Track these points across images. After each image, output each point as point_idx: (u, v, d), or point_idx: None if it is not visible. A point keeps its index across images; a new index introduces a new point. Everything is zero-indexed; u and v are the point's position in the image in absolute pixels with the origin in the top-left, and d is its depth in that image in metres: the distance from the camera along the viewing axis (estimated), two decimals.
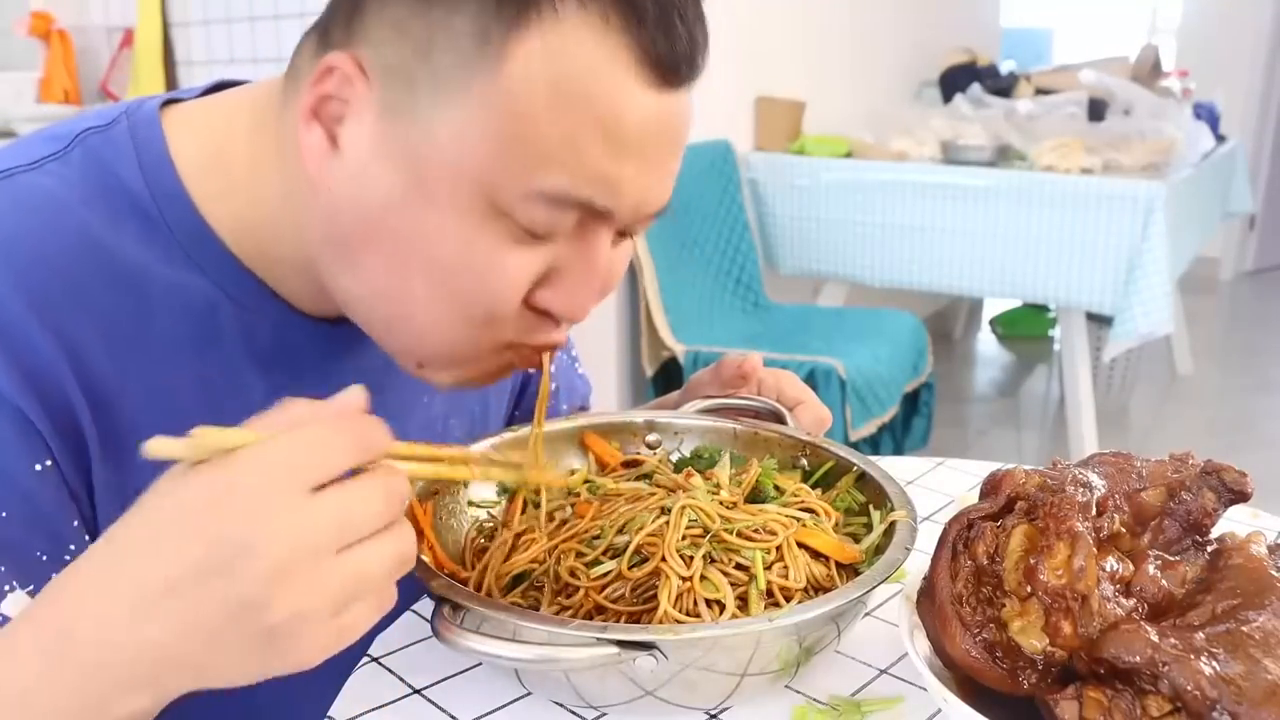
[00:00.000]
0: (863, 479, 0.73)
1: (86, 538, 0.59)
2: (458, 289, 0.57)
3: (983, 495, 0.62)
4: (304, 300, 0.66)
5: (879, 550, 0.65)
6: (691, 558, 0.62)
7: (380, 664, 0.66)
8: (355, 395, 0.48)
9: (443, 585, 0.58)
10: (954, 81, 3.81)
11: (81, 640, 0.44)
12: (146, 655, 0.44)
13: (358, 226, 0.58)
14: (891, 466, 0.76)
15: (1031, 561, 0.54)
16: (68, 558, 0.57)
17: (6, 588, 0.55)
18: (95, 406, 0.58)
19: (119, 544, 0.45)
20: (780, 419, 0.81)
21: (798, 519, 0.67)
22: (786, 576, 0.63)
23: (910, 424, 2.76)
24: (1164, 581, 0.55)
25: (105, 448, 0.59)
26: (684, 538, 0.63)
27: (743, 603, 0.61)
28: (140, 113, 0.63)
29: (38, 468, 0.56)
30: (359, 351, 0.71)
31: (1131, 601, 0.54)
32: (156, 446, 0.43)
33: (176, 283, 0.61)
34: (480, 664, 0.65)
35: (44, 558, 0.56)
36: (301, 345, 0.67)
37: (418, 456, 0.52)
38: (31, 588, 0.55)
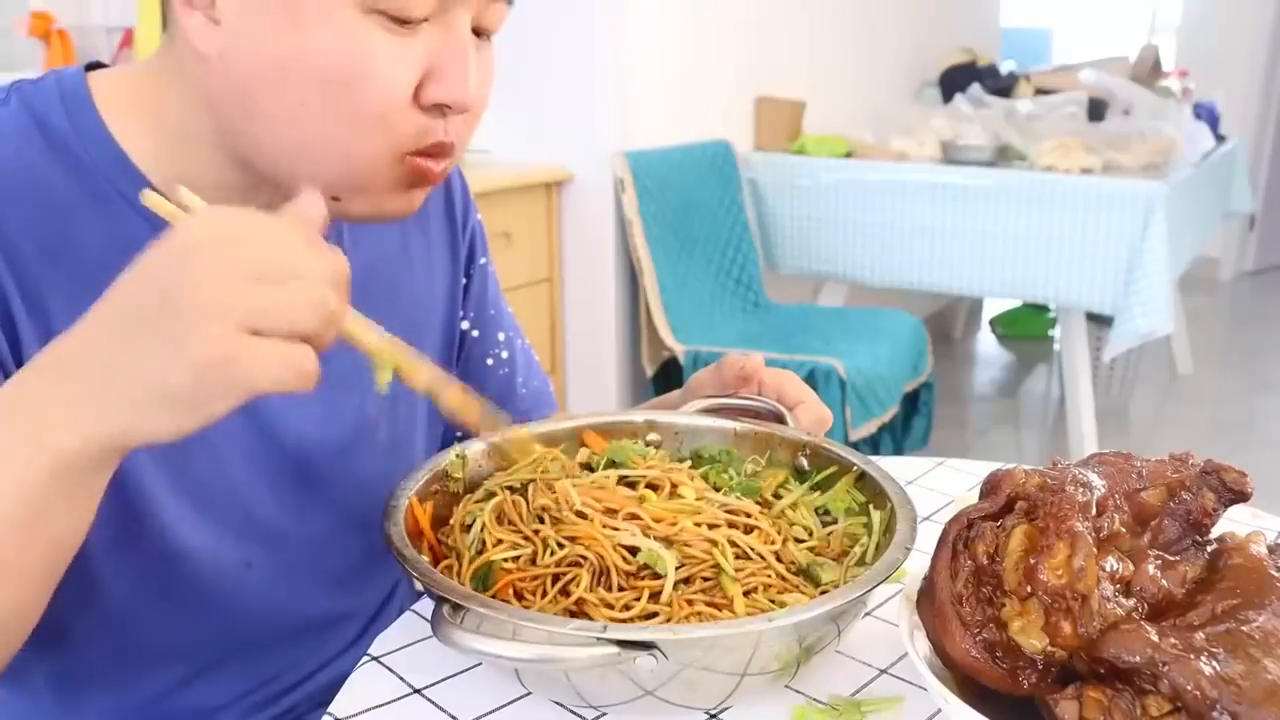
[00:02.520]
0: (863, 479, 0.73)
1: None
2: (349, 94, 0.61)
3: (983, 495, 0.62)
4: None
5: (879, 550, 0.65)
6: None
7: (380, 663, 0.66)
8: (308, 200, 0.52)
9: (443, 585, 0.58)
10: (954, 81, 3.81)
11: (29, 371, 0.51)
12: (66, 363, 0.49)
13: (250, 73, 0.62)
14: (891, 466, 0.76)
15: (1031, 561, 0.54)
16: None
17: None
18: (24, 292, 0.63)
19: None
20: (780, 419, 0.81)
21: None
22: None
23: (910, 424, 2.76)
24: (1164, 581, 0.55)
25: (40, 337, 0.63)
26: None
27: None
28: (67, 70, 0.70)
29: None
30: None
31: (1131, 601, 0.54)
32: (150, 199, 0.53)
33: (102, 213, 0.66)
34: (480, 664, 0.65)
35: None
36: None
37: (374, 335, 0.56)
38: None
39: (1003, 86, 3.72)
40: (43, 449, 0.49)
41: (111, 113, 0.68)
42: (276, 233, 0.49)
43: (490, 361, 0.93)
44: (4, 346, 0.62)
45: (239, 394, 0.48)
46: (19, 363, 0.63)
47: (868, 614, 0.70)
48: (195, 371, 0.46)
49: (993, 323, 4.70)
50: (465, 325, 0.91)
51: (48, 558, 0.53)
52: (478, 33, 0.66)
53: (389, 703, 0.62)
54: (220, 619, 0.75)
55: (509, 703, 0.62)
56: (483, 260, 0.93)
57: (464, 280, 0.91)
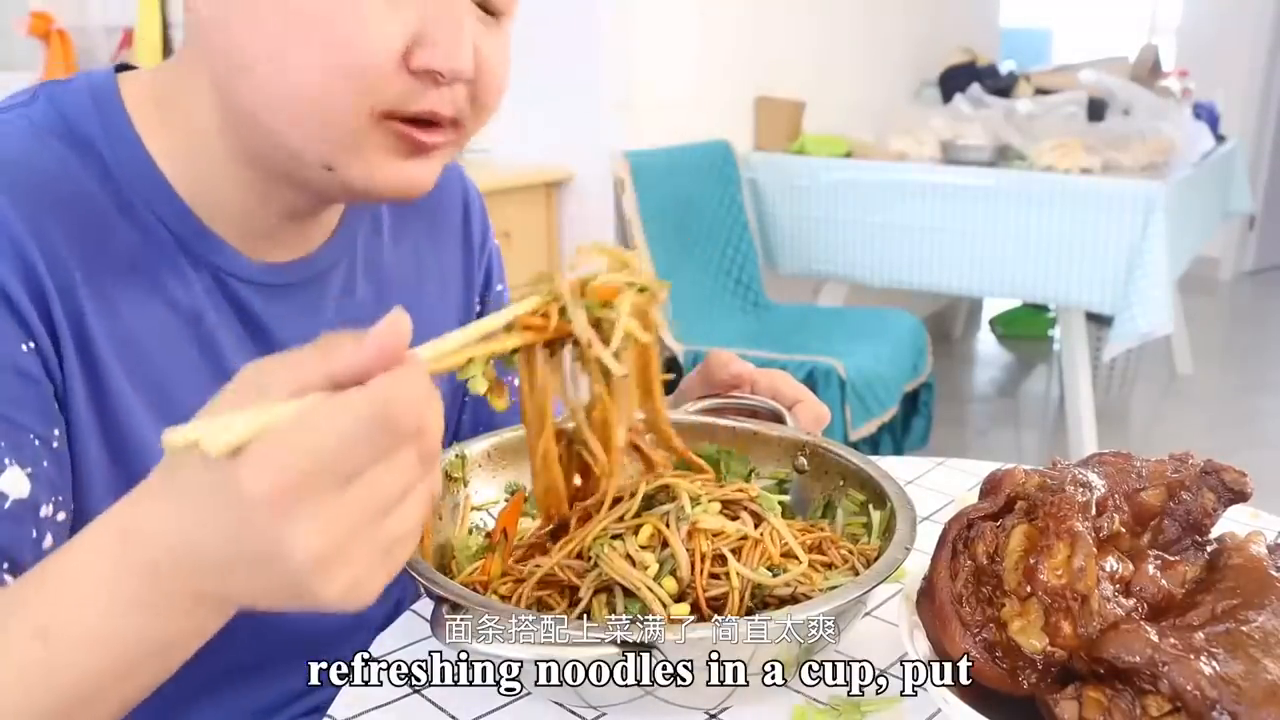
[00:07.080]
0: (863, 479, 0.73)
1: (63, 426, 0.62)
2: (333, 44, 0.59)
3: (983, 495, 0.62)
4: (244, 243, 0.71)
5: (878, 550, 0.64)
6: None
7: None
8: (390, 331, 0.43)
9: (442, 585, 0.58)
10: (954, 81, 3.81)
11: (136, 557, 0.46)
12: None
13: (242, 28, 0.61)
14: (891, 466, 0.76)
15: (1031, 561, 0.54)
16: (55, 444, 0.61)
17: (7, 461, 0.58)
18: (64, 297, 0.62)
19: (152, 521, 0.45)
20: (779, 418, 0.81)
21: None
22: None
23: (910, 424, 2.76)
24: (1164, 581, 0.56)
25: (75, 340, 0.63)
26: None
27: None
28: (97, 72, 0.70)
29: (24, 348, 0.60)
30: (301, 300, 0.75)
31: (1131, 601, 0.54)
32: (170, 438, 0.40)
33: (127, 218, 0.66)
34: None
35: (36, 441, 0.60)
36: (238, 289, 0.71)
37: (448, 352, 0.51)
38: (30, 470, 0.59)
39: (1002, 86, 3.72)
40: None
41: (139, 114, 0.67)
42: (358, 462, 0.42)
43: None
44: (48, 349, 0.62)
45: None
46: (62, 365, 0.62)
47: (867, 614, 0.70)
48: (362, 606, 0.45)
49: (993, 323, 4.70)
50: None
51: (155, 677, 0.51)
52: (488, 10, 0.65)
53: (389, 703, 0.62)
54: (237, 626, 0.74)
55: (509, 703, 0.62)
56: (499, 287, 0.92)
57: (478, 307, 0.90)
